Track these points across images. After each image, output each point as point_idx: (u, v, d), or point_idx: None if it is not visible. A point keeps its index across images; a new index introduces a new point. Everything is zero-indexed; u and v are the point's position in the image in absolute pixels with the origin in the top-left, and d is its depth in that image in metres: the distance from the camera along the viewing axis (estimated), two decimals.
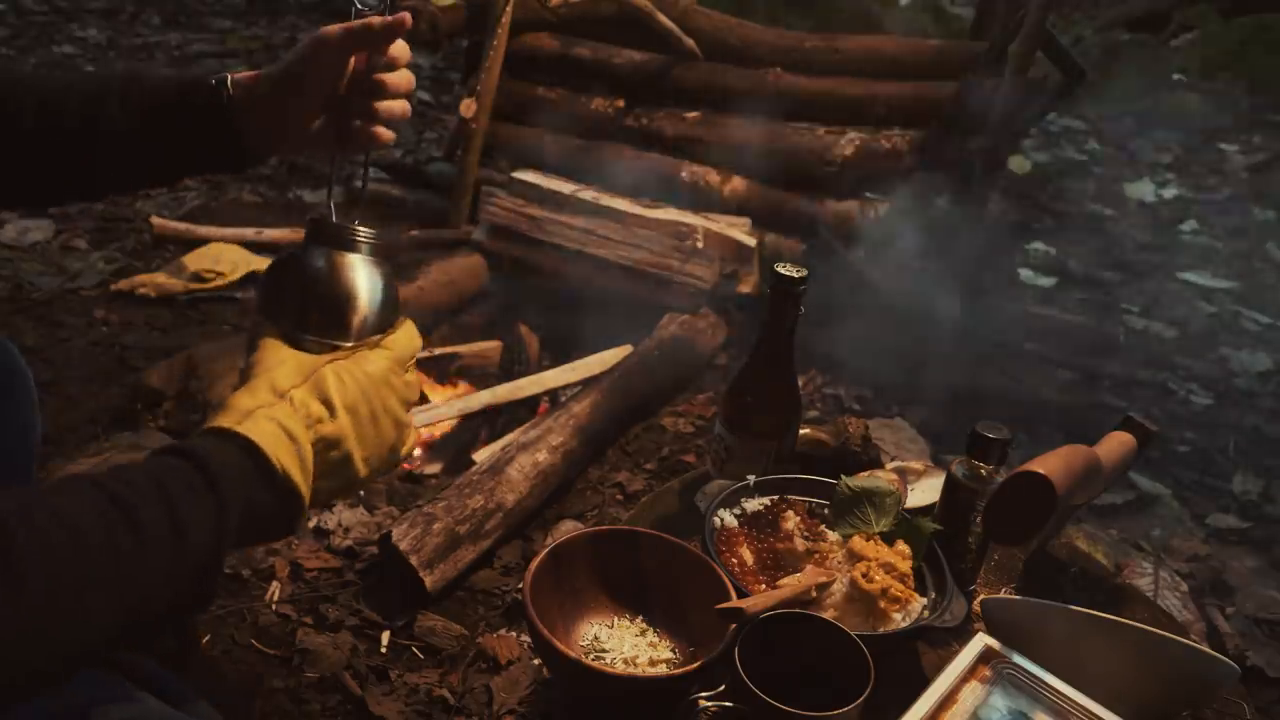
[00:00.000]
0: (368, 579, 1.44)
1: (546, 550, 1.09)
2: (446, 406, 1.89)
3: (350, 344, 0.81)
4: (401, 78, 0.90)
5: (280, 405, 0.73)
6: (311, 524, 1.55)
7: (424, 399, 2.04)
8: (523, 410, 1.95)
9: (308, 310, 0.81)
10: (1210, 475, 2.10)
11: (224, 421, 0.71)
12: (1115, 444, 1.19)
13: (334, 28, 0.84)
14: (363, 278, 0.82)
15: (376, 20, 0.84)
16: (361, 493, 1.65)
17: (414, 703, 1.23)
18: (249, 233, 2.61)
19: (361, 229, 0.85)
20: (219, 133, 0.89)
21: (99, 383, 1.96)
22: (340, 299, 0.81)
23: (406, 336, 0.84)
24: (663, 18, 2.53)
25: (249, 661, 1.28)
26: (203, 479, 0.65)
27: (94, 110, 0.90)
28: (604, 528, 1.18)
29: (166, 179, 1.01)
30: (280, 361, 0.76)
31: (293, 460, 0.71)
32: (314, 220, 0.85)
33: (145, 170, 0.95)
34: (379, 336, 0.83)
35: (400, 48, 0.88)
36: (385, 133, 0.91)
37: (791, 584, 1.05)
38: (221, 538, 0.65)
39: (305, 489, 0.72)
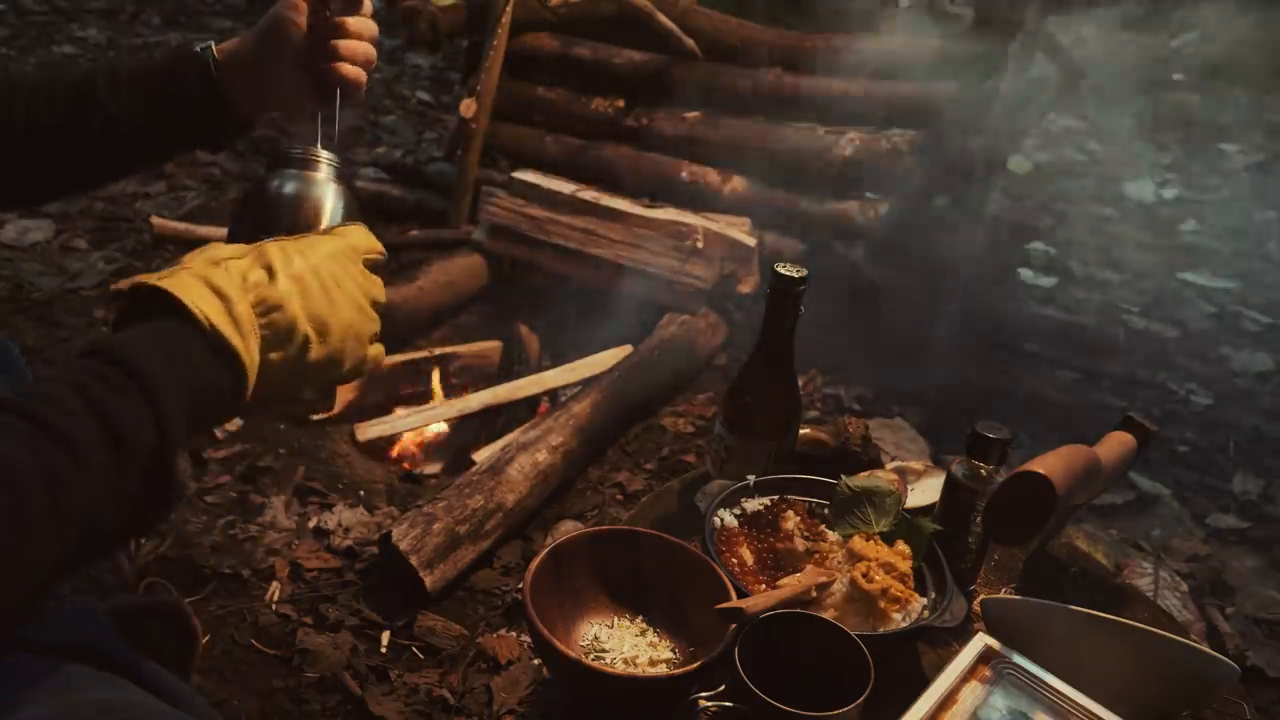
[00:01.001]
0: (368, 579, 1.44)
1: (546, 550, 1.09)
2: (446, 406, 1.89)
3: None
4: (361, 23, 0.93)
5: (212, 267, 0.69)
6: (312, 524, 1.55)
7: (427, 397, 2.04)
8: (523, 410, 1.95)
9: (262, 220, 0.80)
10: (1210, 475, 2.10)
11: (146, 277, 0.66)
12: (1115, 444, 1.19)
13: None
14: (325, 194, 0.82)
15: None
16: (361, 492, 1.64)
17: (414, 703, 1.23)
18: None
19: (322, 150, 0.85)
20: (209, 102, 0.93)
21: None
22: (298, 210, 0.81)
23: (360, 231, 0.80)
24: (663, 18, 2.53)
25: (249, 661, 1.28)
26: (124, 374, 0.61)
27: (82, 100, 0.91)
28: (604, 528, 1.18)
29: (159, 158, 1.02)
30: (222, 246, 0.74)
31: (222, 316, 0.66)
32: (276, 146, 0.87)
33: (138, 152, 0.96)
34: (329, 227, 0.81)
35: None
36: (352, 70, 0.92)
37: (791, 584, 1.05)
38: (165, 432, 0.61)
39: (243, 350, 0.67)
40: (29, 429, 0.56)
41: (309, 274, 0.73)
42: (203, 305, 0.65)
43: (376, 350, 0.81)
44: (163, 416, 0.61)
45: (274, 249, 0.73)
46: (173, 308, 0.66)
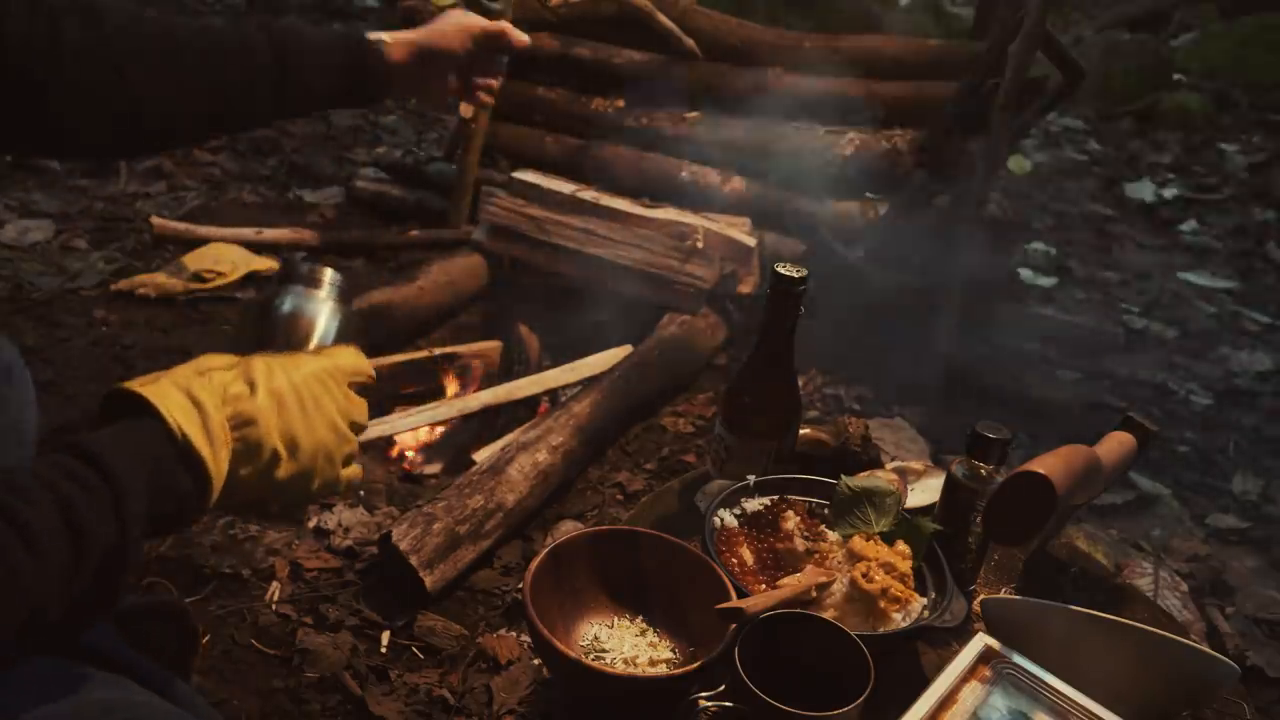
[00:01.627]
0: (368, 579, 1.44)
1: (546, 550, 1.09)
2: (446, 406, 1.89)
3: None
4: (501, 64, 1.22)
5: (196, 377, 0.71)
6: (312, 524, 1.55)
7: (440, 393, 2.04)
8: (523, 410, 1.95)
9: (261, 333, 0.84)
10: (1210, 475, 2.10)
11: (128, 383, 0.68)
12: (1115, 444, 1.19)
13: (478, 25, 1.15)
14: (322, 313, 0.86)
15: (508, 31, 1.17)
16: (361, 492, 1.64)
17: (414, 703, 1.23)
18: (249, 233, 2.61)
19: (327, 270, 0.88)
20: (374, 89, 1.11)
21: (99, 383, 1.96)
22: (296, 328, 0.85)
23: (349, 353, 0.82)
24: (663, 18, 2.53)
25: (249, 661, 1.28)
26: (95, 472, 0.62)
27: (245, 104, 1.03)
28: (604, 528, 1.18)
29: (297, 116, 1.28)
30: (212, 355, 0.76)
31: (196, 429, 0.68)
32: (284, 260, 0.90)
33: (286, 115, 1.10)
34: (319, 346, 0.84)
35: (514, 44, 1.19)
36: (484, 97, 1.21)
37: (791, 584, 1.05)
38: (126, 534, 0.62)
39: (212, 462, 0.68)
40: None
41: (289, 391, 0.75)
42: (178, 415, 0.67)
43: (351, 471, 0.82)
44: (126, 519, 0.62)
45: (259, 364, 0.75)
46: (151, 410, 0.68)
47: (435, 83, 1.17)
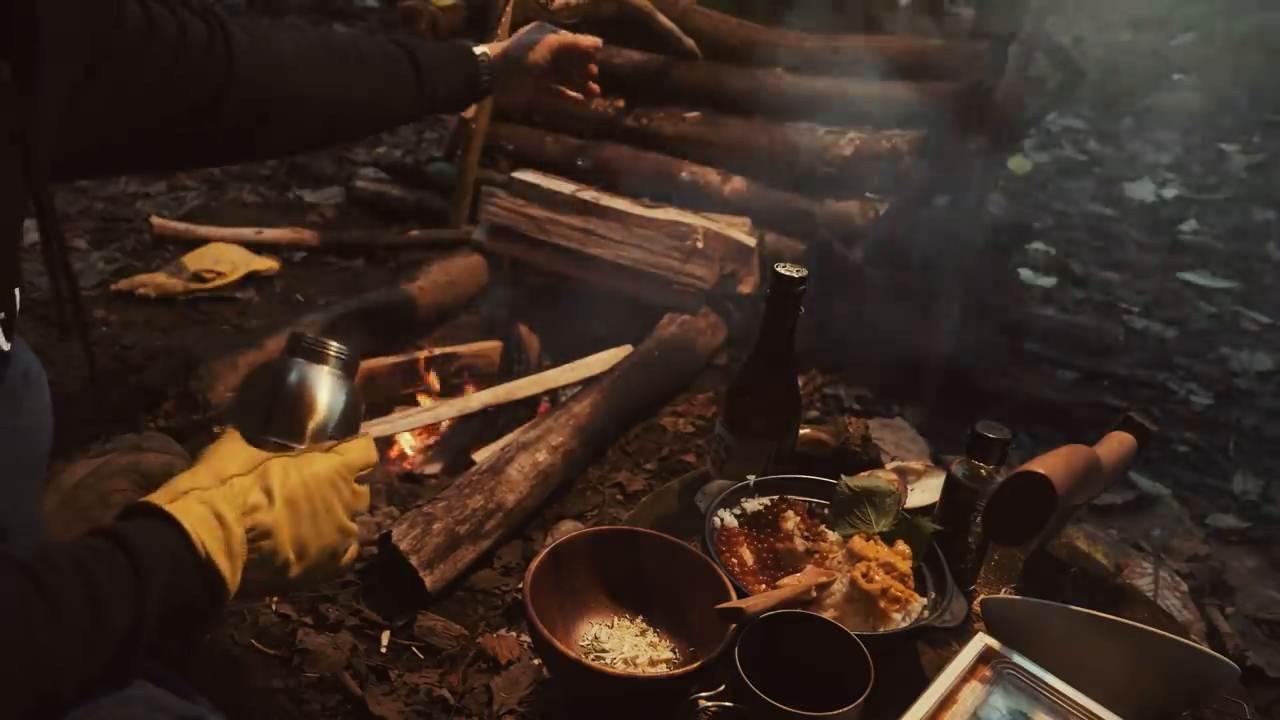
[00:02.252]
0: (368, 579, 1.44)
1: (546, 550, 1.09)
2: (446, 407, 1.89)
3: (304, 446, 0.83)
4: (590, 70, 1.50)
5: (218, 489, 0.74)
6: None
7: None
8: (523, 410, 1.95)
9: (270, 412, 0.84)
10: (1210, 475, 2.10)
11: (156, 498, 0.71)
12: (1115, 444, 1.19)
13: (554, 40, 1.41)
14: (325, 387, 0.86)
15: (579, 41, 1.44)
16: None
17: (414, 703, 1.23)
18: (249, 233, 2.61)
19: (333, 344, 0.89)
20: (477, 94, 1.39)
21: (99, 383, 1.96)
22: (300, 403, 0.85)
23: (361, 447, 0.85)
24: (663, 18, 2.53)
25: (249, 661, 1.28)
26: (128, 564, 0.65)
27: (393, 106, 1.28)
28: (604, 528, 1.18)
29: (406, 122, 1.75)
30: (231, 454, 0.78)
31: (218, 545, 0.71)
32: (293, 334, 0.90)
33: (403, 120, 1.46)
34: (333, 442, 0.85)
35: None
36: (573, 95, 1.49)
37: (791, 584, 1.05)
38: (141, 624, 0.65)
39: (230, 576, 0.72)
40: (28, 587, 0.60)
41: (303, 498, 0.78)
42: (203, 534, 0.70)
43: (350, 555, 0.85)
44: (144, 612, 0.65)
45: (276, 470, 0.78)
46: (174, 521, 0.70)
47: (520, 85, 1.43)
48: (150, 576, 0.65)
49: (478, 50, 1.36)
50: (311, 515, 0.79)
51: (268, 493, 0.76)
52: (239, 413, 0.86)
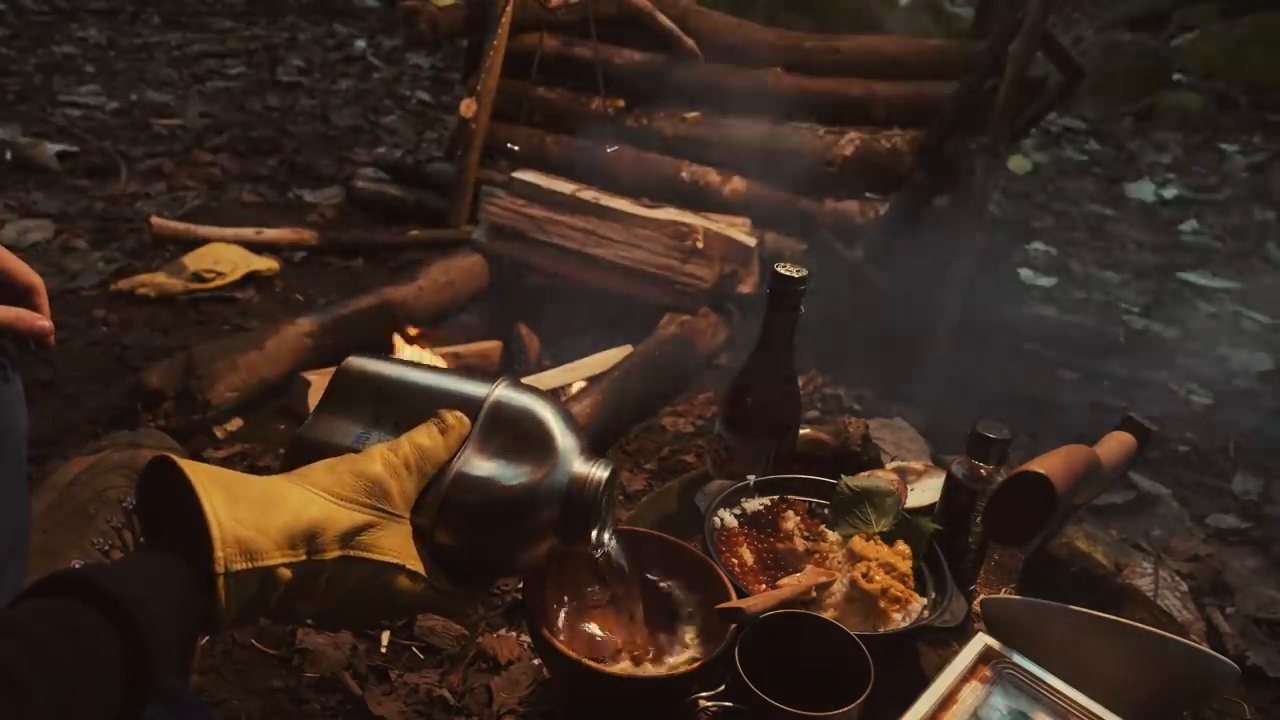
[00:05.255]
0: None
1: None
2: None
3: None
4: None
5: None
6: None
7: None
8: None
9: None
10: (1210, 475, 2.10)
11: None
12: (1115, 444, 1.19)
13: None
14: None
15: None
16: None
17: (414, 703, 1.23)
18: (249, 233, 2.61)
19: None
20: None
21: (99, 383, 1.96)
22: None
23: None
24: (663, 18, 2.53)
25: (249, 661, 1.28)
26: (113, 627, 0.56)
27: None
28: None
29: None
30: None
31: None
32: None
33: None
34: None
35: None
36: None
37: (791, 584, 1.05)
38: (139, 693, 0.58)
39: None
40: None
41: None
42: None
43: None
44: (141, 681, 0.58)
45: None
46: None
47: None
48: (152, 644, 0.58)
49: None
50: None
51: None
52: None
